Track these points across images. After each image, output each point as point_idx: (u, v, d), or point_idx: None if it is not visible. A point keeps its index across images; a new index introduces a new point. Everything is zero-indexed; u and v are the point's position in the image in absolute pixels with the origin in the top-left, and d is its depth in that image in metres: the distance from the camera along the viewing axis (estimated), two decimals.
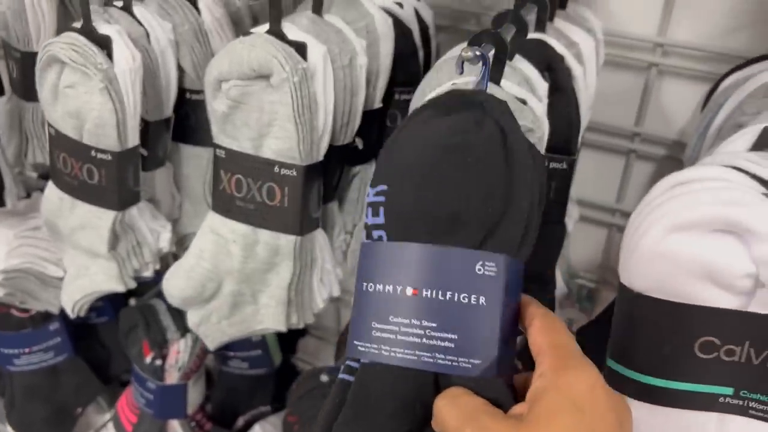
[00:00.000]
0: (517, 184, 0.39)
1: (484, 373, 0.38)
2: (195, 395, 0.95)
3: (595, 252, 0.83)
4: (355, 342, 0.40)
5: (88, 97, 0.60)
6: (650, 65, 0.70)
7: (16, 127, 0.86)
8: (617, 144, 0.75)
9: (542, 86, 0.53)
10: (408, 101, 0.70)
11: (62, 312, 0.92)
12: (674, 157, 0.74)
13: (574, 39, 0.59)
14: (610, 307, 0.55)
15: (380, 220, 0.40)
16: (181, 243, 0.76)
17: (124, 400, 1.00)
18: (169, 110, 0.69)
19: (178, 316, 0.87)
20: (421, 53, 0.69)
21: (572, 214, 0.69)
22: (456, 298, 0.38)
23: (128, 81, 0.60)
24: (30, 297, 0.90)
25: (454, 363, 0.38)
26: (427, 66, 0.71)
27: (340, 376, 0.42)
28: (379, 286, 0.39)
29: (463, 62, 0.45)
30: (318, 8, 0.58)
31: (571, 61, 0.56)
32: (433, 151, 0.39)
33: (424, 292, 0.38)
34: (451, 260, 0.38)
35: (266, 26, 0.55)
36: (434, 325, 0.38)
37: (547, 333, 0.38)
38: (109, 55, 0.60)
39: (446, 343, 0.38)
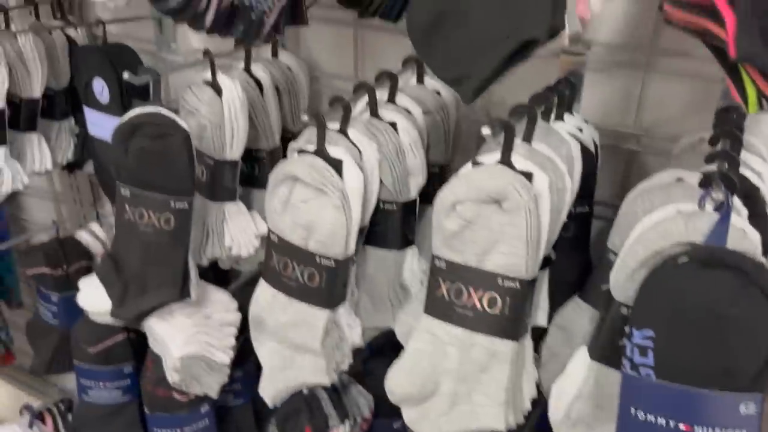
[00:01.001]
0: None
1: None
2: None
3: None
4: None
5: (320, 212, 0.68)
6: None
7: (200, 224, 0.94)
8: None
9: (745, 213, 0.60)
10: (583, 214, 0.77)
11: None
12: None
13: (757, 168, 0.66)
14: None
15: (649, 361, 0.48)
16: None
17: None
18: (367, 220, 0.76)
19: (339, 404, 0.93)
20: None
21: None
22: None
23: (355, 198, 0.68)
24: (195, 381, 0.96)
25: None
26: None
27: None
28: (650, 416, 0.48)
29: (705, 200, 0.53)
30: (529, 138, 0.66)
31: (765, 190, 0.62)
32: (703, 315, 0.46)
33: (696, 429, 0.46)
34: (720, 403, 0.46)
35: (495, 156, 0.63)
36: None
37: None
38: (339, 174, 0.69)
39: None
